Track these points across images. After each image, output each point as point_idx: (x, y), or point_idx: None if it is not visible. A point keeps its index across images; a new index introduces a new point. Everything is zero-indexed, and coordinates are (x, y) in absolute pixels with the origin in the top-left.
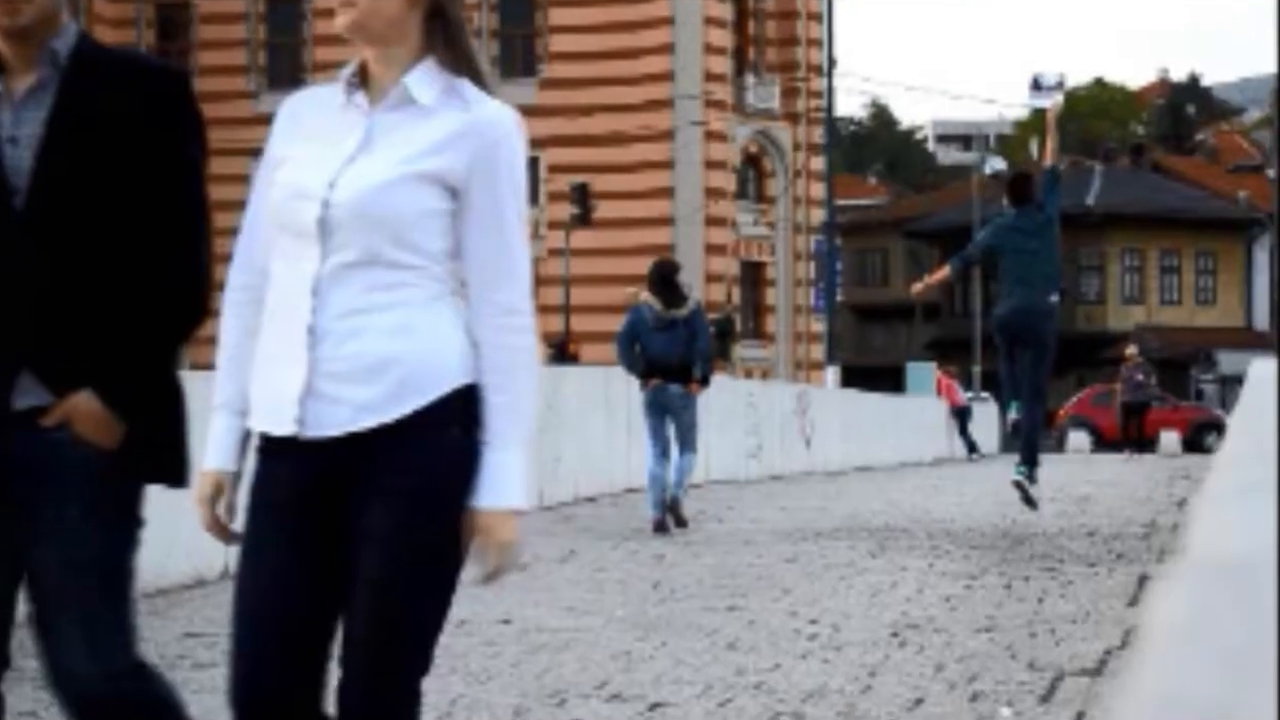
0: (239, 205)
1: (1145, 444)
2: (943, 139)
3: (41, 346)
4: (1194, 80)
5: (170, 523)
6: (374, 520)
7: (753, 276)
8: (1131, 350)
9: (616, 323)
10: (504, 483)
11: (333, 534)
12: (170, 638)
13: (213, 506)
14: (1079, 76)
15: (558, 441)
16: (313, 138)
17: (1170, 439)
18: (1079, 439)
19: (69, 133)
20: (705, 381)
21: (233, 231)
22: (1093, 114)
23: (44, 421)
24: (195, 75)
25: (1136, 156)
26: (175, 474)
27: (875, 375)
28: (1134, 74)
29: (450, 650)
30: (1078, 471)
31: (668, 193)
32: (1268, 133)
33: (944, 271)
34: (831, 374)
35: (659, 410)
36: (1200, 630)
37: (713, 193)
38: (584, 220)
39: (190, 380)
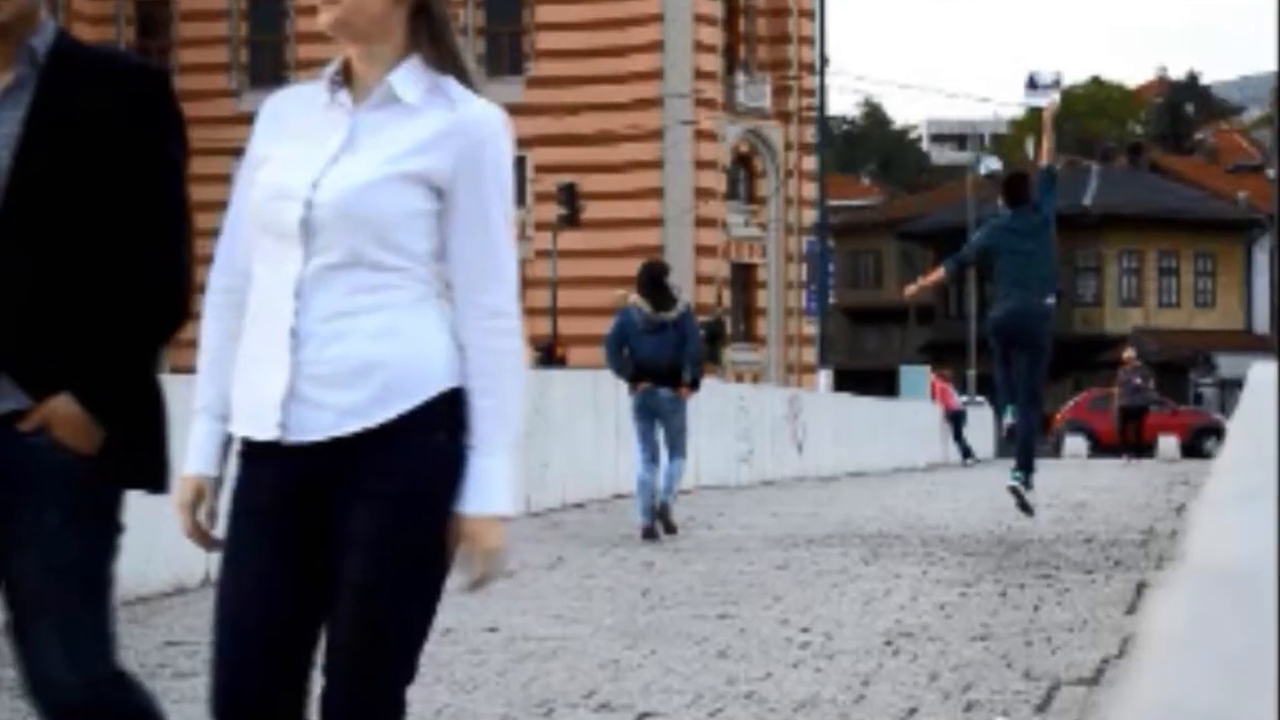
0: (220, 206)
1: (1143, 449)
2: (937, 138)
3: (19, 349)
4: (1193, 78)
5: (150, 529)
6: (358, 526)
7: (743, 278)
8: (1129, 353)
9: (605, 325)
10: (490, 488)
11: (316, 540)
12: (151, 646)
13: (194, 512)
14: (1076, 75)
15: (545, 446)
16: (296, 137)
17: (1169, 444)
18: (1076, 444)
19: (47, 131)
20: (695, 385)
21: (214, 233)
22: (1090, 113)
23: (22, 426)
24: (176, 73)
25: (1134, 156)
26: (155, 479)
27: (868, 379)
28: (1132, 72)
29: (435, 659)
30: (1074, 477)
31: (657, 193)
32: (1268, 132)
33: (938, 273)
34: (824, 377)
35: (648, 414)
36: (1199, 638)
37: (703, 193)
38: (572, 221)
39: (171, 384)
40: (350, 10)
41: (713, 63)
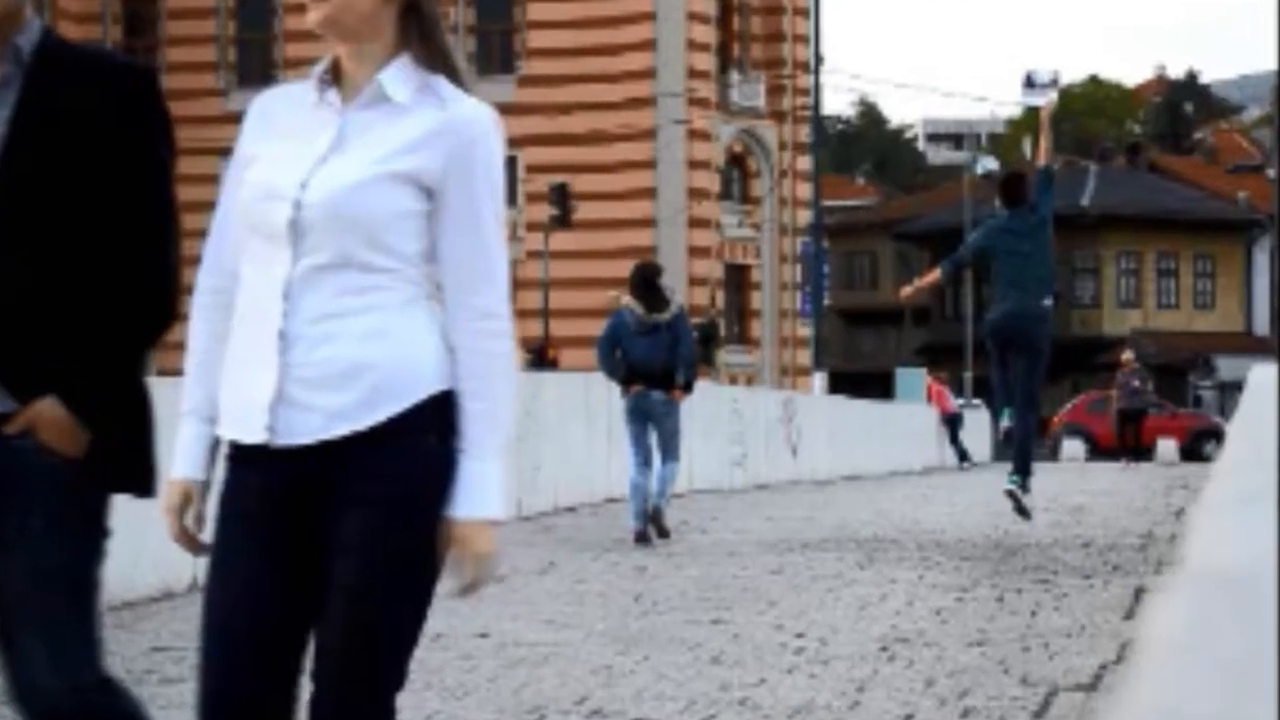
0: (208, 206)
1: (1142, 452)
2: (933, 138)
3: (4, 351)
4: (1192, 77)
5: (137, 533)
6: (347, 530)
7: (737, 280)
8: (1127, 355)
9: (597, 327)
10: (481, 492)
11: (305, 544)
12: (137, 652)
13: (181, 516)
14: (1073, 73)
15: (536, 450)
16: (284, 136)
17: (1167, 447)
18: (1073, 447)
19: (33, 130)
20: (688, 388)
21: (201, 233)
22: (1088, 112)
23: (7, 429)
24: (163, 72)
25: (1133, 156)
26: (142, 483)
27: (863, 381)
28: (1130, 71)
29: (425, 664)
30: (1072, 481)
31: (649, 193)
32: (1268, 131)
33: (934, 274)
34: (818, 380)
35: (641, 417)
36: (1199, 643)
37: (696, 193)
38: (563, 222)
39: (158, 386)
40: (339, 8)
41: (706, 61)
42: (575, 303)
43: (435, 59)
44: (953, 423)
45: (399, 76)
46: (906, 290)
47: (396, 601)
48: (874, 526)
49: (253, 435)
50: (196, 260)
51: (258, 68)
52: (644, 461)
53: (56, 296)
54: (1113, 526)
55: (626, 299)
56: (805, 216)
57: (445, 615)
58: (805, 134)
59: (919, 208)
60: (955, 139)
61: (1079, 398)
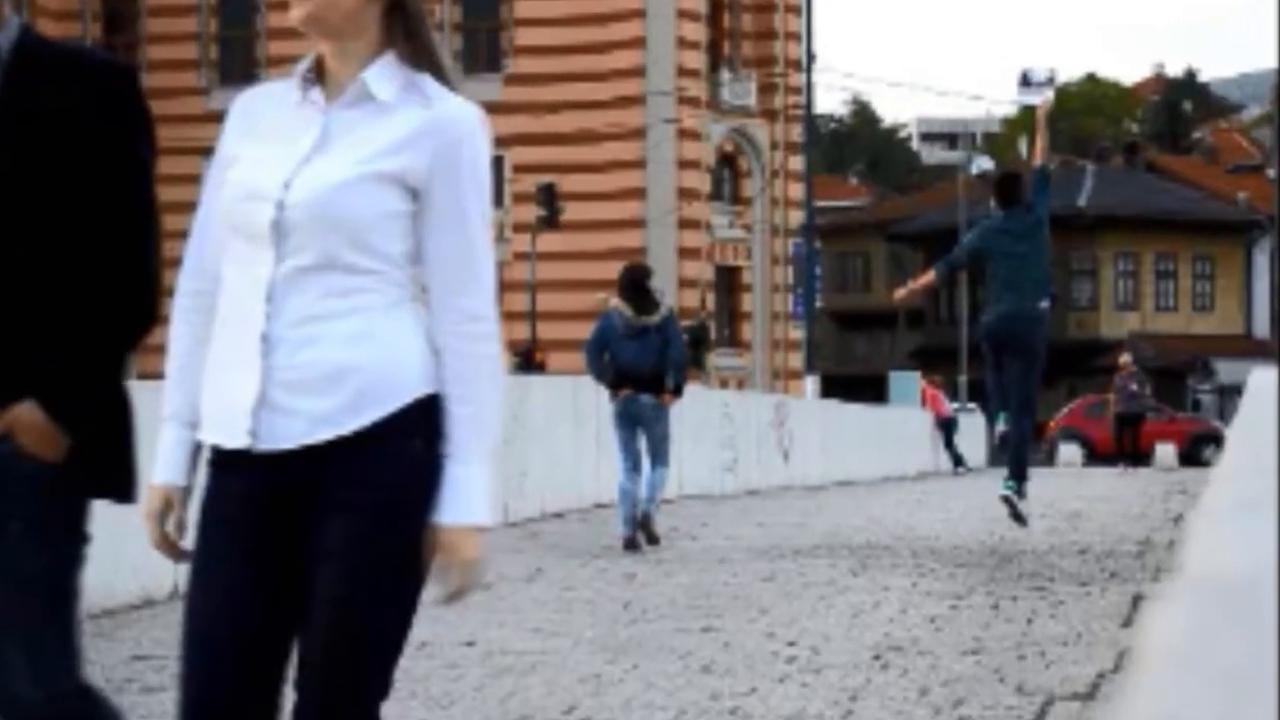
0: (189, 207)
1: (1140, 457)
2: (927, 137)
3: None
4: (1191, 76)
5: (117, 540)
6: (331, 536)
7: (728, 282)
8: (1125, 359)
9: (585, 330)
10: (467, 498)
11: (288, 551)
12: (117, 660)
13: (162, 523)
14: (1070, 72)
15: (523, 454)
16: (267, 136)
17: (1166, 452)
18: (1070, 452)
19: (11, 129)
20: (678, 392)
21: (183, 234)
22: (1085, 111)
23: None
24: (143, 70)
25: (1130, 156)
26: (122, 489)
27: (856, 385)
28: (1128, 69)
29: (410, 673)
30: (1069, 486)
31: (639, 194)
32: (1268, 131)
33: (929, 276)
34: (810, 384)
35: (630, 422)
36: (1197, 652)
37: (686, 194)
38: (551, 222)
39: (138, 390)
40: (323, 6)
41: (696, 59)
42: (563, 305)
43: (420, 57)
44: (947, 427)
45: (384, 75)
46: (900, 292)
47: (381, 609)
48: (867, 533)
49: (235, 440)
50: (177, 262)
51: (240, 66)
52: (633, 467)
53: (35, 298)
54: (1110, 533)
55: (615, 301)
56: (797, 217)
57: (431, 623)
58: (797, 133)
59: (913, 208)
60: (950, 138)
61: (1076, 402)
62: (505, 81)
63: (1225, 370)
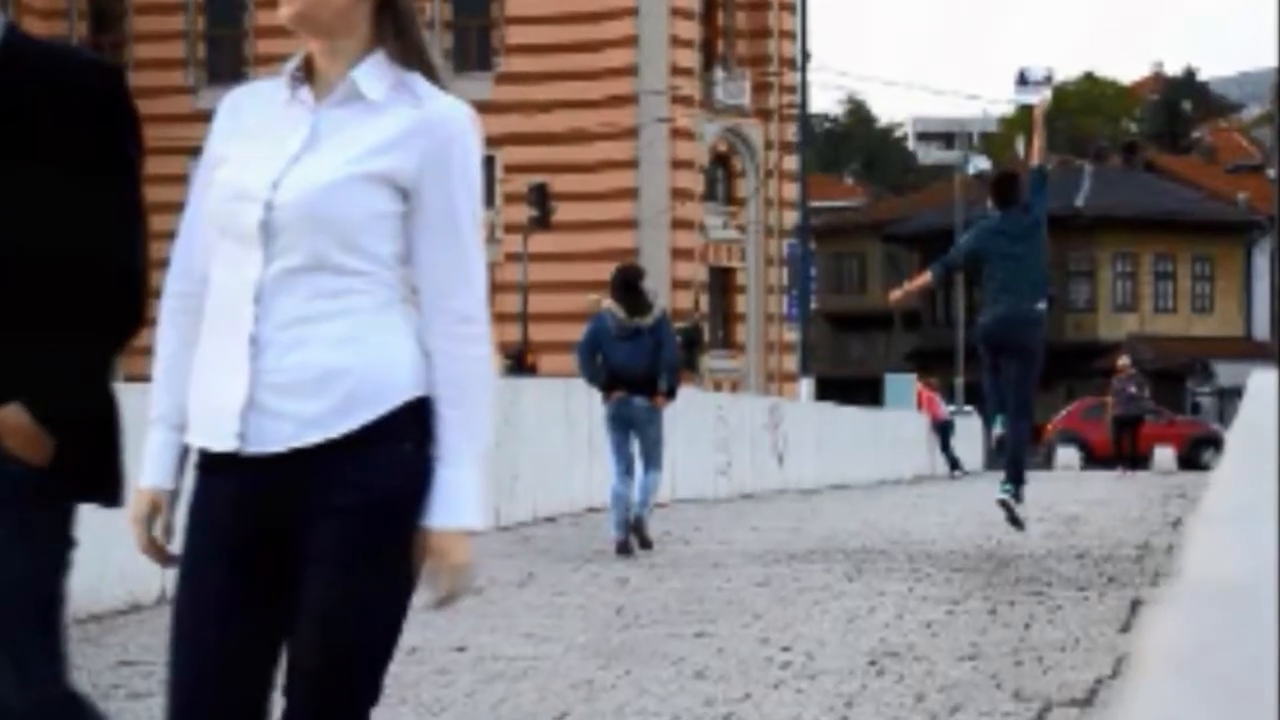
0: (177, 207)
1: (1138, 460)
2: (923, 137)
3: None
4: (1190, 74)
5: (104, 544)
6: (320, 541)
7: (722, 283)
8: (1124, 361)
9: (577, 332)
10: (458, 501)
11: (276, 555)
12: (104, 666)
13: (149, 527)
14: (1068, 70)
15: (515, 458)
16: (255, 136)
17: (1165, 455)
18: (1068, 455)
19: None
20: (671, 394)
21: (170, 235)
22: (1082, 110)
23: None
24: (130, 69)
25: (1129, 155)
26: (109, 492)
27: (852, 387)
28: (1126, 68)
29: (400, 679)
30: (1067, 490)
31: (631, 194)
32: (1268, 130)
33: (925, 278)
34: (805, 386)
35: (622, 425)
36: (1196, 658)
37: (679, 194)
38: (543, 223)
39: (125, 393)
40: (313, 4)
41: (690, 58)
42: (555, 306)
43: (411, 55)
44: (943, 430)
45: (373, 73)
46: (896, 294)
47: (370, 614)
48: (862, 537)
49: (223, 443)
50: (165, 263)
51: (228, 65)
52: (626, 470)
53: (20, 300)
54: (1108, 537)
55: (607, 302)
56: (792, 218)
57: (421, 628)
58: (792, 133)
59: (909, 209)
60: (946, 138)
61: (1074, 404)
62: (496, 80)
63: (1225, 372)
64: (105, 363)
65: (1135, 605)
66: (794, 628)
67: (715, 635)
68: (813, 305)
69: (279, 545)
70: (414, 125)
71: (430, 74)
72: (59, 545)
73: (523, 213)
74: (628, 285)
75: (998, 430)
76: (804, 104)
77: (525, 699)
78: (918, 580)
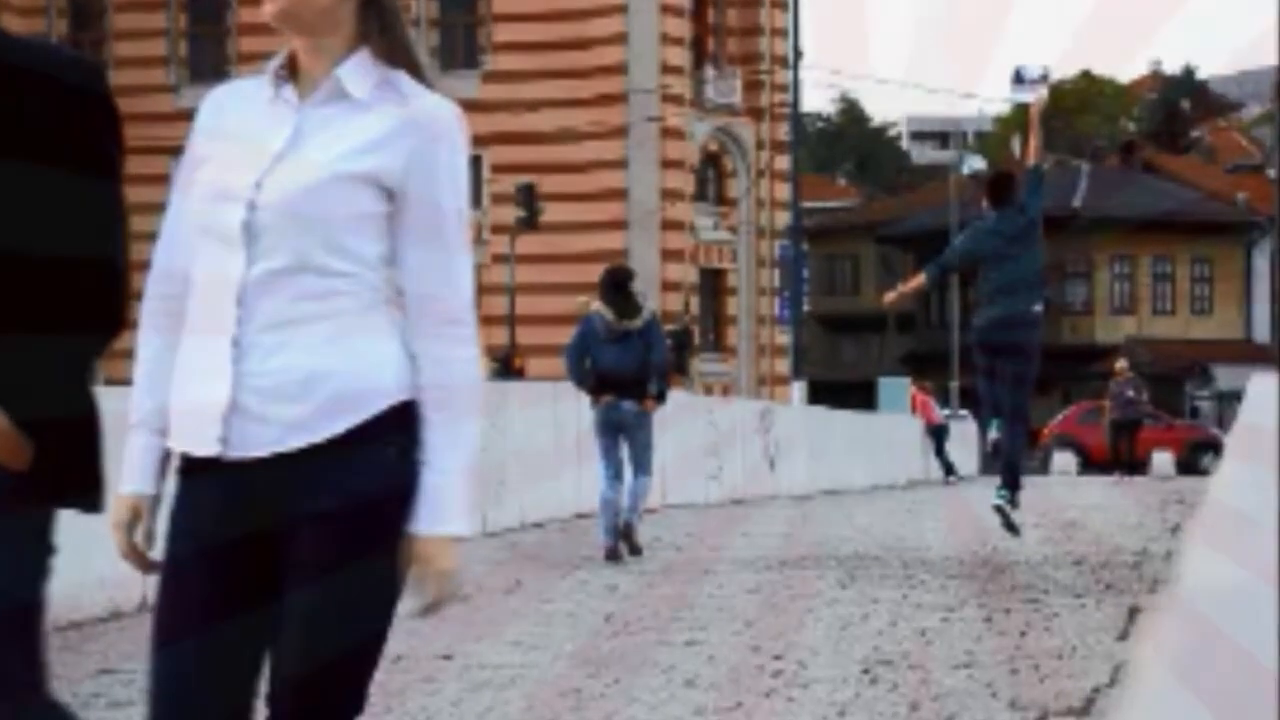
0: (159, 208)
1: (1136, 465)
2: (917, 136)
3: None
4: (1189, 73)
5: (84, 551)
6: (304, 547)
7: (712, 285)
8: (1121, 364)
9: (565, 334)
10: (444, 507)
11: (259, 562)
12: (84, 674)
13: (130, 533)
14: (1065, 69)
15: (502, 462)
16: (238, 135)
17: (1163, 460)
18: (1065, 460)
19: None
20: (661, 398)
21: (151, 236)
22: (1079, 109)
23: None
24: (111, 67)
25: (1127, 155)
26: (90, 498)
27: (845, 391)
28: (1124, 66)
29: (385, 688)
30: (1063, 495)
31: (621, 194)
32: (1268, 129)
33: (919, 280)
34: (798, 390)
35: (611, 429)
36: (1195, 666)
37: (669, 194)
38: (530, 224)
39: (106, 397)
40: (296, 1)
41: (680, 56)
42: (543, 309)
43: (396, 53)
44: (938, 434)
45: (358, 72)
46: (890, 296)
47: (355, 622)
48: (855, 543)
49: (205, 447)
50: (146, 265)
51: (210, 63)
52: (615, 475)
53: None
54: (1106, 543)
55: (596, 305)
56: (784, 218)
57: (406, 636)
58: (784, 132)
59: (903, 209)
60: (940, 137)
61: (1070, 408)
62: (483, 79)
63: (1224, 376)
64: (86, 366)
65: (1133, 613)
66: (786, 635)
67: (706, 643)
68: (805, 307)
69: (262, 551)
70: (399, 124)
71: (416, 72)
72: (38, 551)
73: (510, 213)
74: (617, 287)
75: (993, 434)
76: (796, 103)
77: (512, 708)
78: (912, 587)
